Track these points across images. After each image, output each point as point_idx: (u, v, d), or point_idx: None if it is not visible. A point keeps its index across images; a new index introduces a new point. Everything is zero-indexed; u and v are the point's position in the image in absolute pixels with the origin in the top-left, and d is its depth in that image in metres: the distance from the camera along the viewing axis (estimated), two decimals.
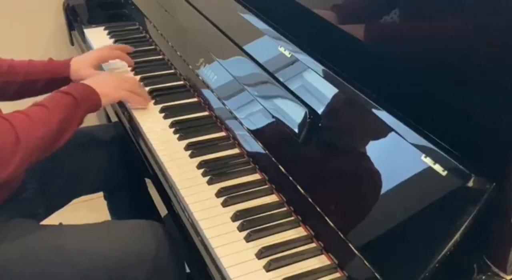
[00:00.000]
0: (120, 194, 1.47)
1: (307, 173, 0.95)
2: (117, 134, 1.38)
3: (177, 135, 1.16)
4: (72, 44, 1.84)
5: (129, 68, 1.43)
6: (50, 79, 1.31)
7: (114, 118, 1.40)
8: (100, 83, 1.16)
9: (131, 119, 1.25)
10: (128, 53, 1.49)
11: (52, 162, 1.18)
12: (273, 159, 1.01)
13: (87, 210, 1.66)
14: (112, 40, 1.58)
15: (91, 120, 2.03)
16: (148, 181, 1.49)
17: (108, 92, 1.16)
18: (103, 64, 1.42)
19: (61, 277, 1.03)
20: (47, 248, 1.04)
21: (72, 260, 1.03)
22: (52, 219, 1.26)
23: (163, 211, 1.15)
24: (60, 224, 1.14)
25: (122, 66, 1.44)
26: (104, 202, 1.53)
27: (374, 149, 0.87)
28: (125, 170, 1.39)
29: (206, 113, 1.24)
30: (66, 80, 1.32)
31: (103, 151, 1.35)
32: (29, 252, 1.03)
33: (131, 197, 1.48)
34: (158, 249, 1.05)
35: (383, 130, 0.85)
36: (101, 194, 1.50)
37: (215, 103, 1.21)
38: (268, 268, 0.86)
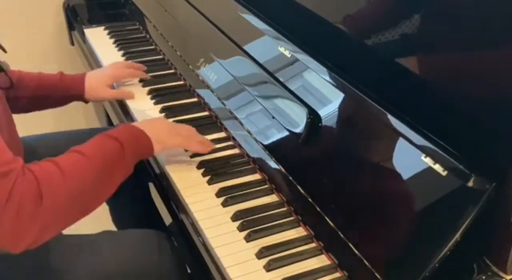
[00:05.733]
0: (122, 196, 1.46)
1: (307, 173, 0.95)
2: None
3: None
4: (72, 44, 1.84)
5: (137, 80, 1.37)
6: (62, 96, 1.26)
7: (115, 121, 1.40)
8: (153, 127, 1.00)
9: (132, 120, 1.25)
10: (130, 53, 1.49)
11: None
12: (273, 159, 1.01)
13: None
14: (112, 40, 1.58)
15: (93, 122, 2.03)
16: (150, 185, 1.48)
17: (162, 138, 1.00)
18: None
19: None
20: (47, 260, 1.00)
21: (73, 272, 1.00)
22: None
23: (163, 211, 1.15)
24: (60, 233, 1.11)
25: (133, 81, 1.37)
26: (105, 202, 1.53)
27: (374, 149, 0.87)
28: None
29: (206, 113, 1.24)
30: (79, 97, 1.28)
31: None
32: (28, 264, 0.98)
33: (132, 198, 1.47)
34: (161, 260, 1.03)
35: (383, 130, 0.85)
36: None
37: (215, 103, 1.21)
38: (268, 268, 0.86)
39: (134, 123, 1.01)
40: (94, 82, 1.28)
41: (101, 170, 0.88)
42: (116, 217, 1.53)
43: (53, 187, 0.80)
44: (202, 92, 1.27)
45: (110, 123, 1.65)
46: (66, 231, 1.12)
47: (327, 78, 0.96)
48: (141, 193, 1.48)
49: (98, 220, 1.48)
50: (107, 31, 1.64)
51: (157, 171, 1.10)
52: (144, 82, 1.36)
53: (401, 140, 0.81)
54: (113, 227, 1.52)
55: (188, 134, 1.07)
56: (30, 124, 1.36)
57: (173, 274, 1.06)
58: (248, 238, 0.91)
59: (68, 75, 1.29)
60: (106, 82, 1.29)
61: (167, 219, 1.27)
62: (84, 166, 0.86)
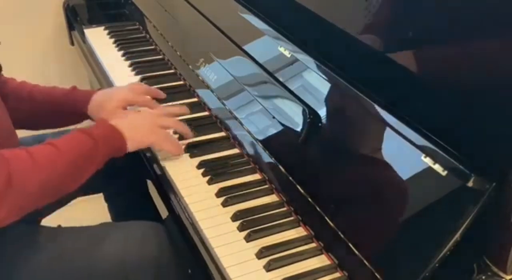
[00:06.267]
0: (121, 195, 1.46)
1: (307, 173, 0.95)
2: None
3: (177, 135, 1.16)
4: (72, 44, 1.84)
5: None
6: (68, 112, 1.19)
7: None
8: (129, 125, 1.02)
9: None
10: (130, 53, 1.49)
11: None
12: (273, 159, 1.01)
13: (87, 209, 1.66)
14: (112, 40, 1.58)
15: (92, 121, 2.03)
16: (149, 183, 1.48)
17: (136, 137, 1.02)
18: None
19: None
20: (46, 253, 1.01)
21: (72, 264, 1.01)
22: (52, 219, 1.26)
23: (163, 211, 1.15)
24: (59, 226, 1.12)
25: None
26: (104, 201, 1.53)
27: (374, 149, 0.87)
28: (126, 171, 1.39)
29: (206, 113, 1.24)
30: (83, 115, 1.21)
31: None
32: (28, 257, 1.00)
33: (132, 198, 1.47)
34: (159, 251, 1.03)
35: (383, 130, 0.85)
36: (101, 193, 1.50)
37: (215, 103, 1.21)
38: (268, 268, 0.86)
39: (112, 121, 1.02)
40: (101, 101, 1.18)
41: (72, 164, 0.92)
42: (114, 214, 1.53)
43: (22, 172, 0.85)
44: (202, 92, 1.27)
45: None
46: (64, 223, 1.13)
47: (327, 78, 0.96)
48: (139, 190, 1.48)
49: (97, 213, 1.49)
50: (107, 31, 1.64)
51: (157, 170, 1.10)
52: (144, 82, 1.35)
53: (401, 140, 0.81)
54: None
55: (163, 132, 1.07)
56: None
57: (172, 267, 1.06)
58: (248, 238, 0.91)
59: (79, 90, 1.22)
60: (114, 105, 1.17)
61: (164, 214, 1.27)
62: (56, 159, 0.90)
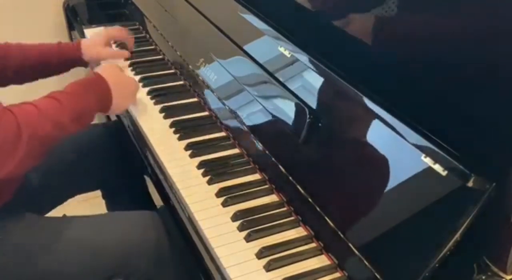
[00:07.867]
0: (119, 192, 1.47)
1: (307, 173, 0.95)
2: (117, 133, 1.38)
3: (177, 135, 1.16)
4: None
5: (126, 63, 1.45)
6: (62, 60, 1.34)
7: (113, 117, 1.41)
8: (120, 91, 1.15)
9: (131, 118, 1.25)
10: (130, 53, 1.49)
11: (53, 157, 1.18)
12: (273, 159, 1.01)
13: (88, 208, 1.66)
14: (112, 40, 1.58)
15: None
16: (148, 181, 1.48)
17: (119, 105, 1.16)
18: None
19: (63, 265, 1.04)
20: (50, 238, 1.05)
21: (75, 249, 1.05)
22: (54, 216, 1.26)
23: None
24: (64, 215, 1.14)
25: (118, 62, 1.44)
26: (102, 198, 1.53)
27: (374, 149, 0.87)
28: (125, 169, 1.39)
29: (206, 113, 1.24)
30: (78, 59, 1.36)
31: (103, 149, 1.35)
32: (32, 243, 1.04)
33: (130, 195, 1.48)
34: (159, 238, 1.07)
35: (383, 130, 0.85)
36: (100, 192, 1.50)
37: (215, 103, 1.21)
38: (268, 268, 0.86)
39: (107, 79, 1.13)
40: (89, 43, 1.37)
41: (71, 116, 1.02)
42: (112, 211, 1.54)
43: (30, 126, 0.93)
44: (202, 92, 1.27)
45: (108, 118, 1.65)
46: (68, 213, 1.17)
47: (327, 78, 0.96)
48: (137, 188, 1.49)
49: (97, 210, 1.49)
50: None
51: (157, 170, 1.10)
52: (144, 82, 1.36)
53: (401, 140, 0.81)
54: None
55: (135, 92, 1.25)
56: None
57: (173, 260, 1.09)
58: (248, 238, 0.91)
59: (66, 42, 1.39)
60: (100, 42, 1.38)
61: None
62: (58, 112, 1.00)
